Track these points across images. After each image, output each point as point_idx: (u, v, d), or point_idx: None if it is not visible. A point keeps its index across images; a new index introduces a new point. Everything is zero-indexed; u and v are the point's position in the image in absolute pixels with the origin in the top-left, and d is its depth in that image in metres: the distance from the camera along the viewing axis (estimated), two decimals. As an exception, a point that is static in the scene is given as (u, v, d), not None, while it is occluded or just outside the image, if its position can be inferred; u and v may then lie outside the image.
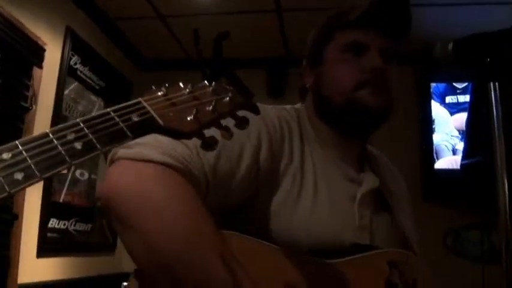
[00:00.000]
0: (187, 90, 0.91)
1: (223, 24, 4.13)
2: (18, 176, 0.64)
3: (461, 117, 4.18)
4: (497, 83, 1.05)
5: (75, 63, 3.75)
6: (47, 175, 0.66)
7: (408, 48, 4.25)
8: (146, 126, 0.80)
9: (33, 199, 3.22)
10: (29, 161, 0.66)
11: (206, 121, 0.87)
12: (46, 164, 0.67)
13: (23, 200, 3.11)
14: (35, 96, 3.22)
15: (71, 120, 0.74)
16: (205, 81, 0.95)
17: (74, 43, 3.67)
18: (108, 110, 0.78)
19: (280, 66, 4.65)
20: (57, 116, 3.49)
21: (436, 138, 4.26)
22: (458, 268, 3.76)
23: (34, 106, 3.22)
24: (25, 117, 3.17)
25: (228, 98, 0.92)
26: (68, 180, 3.67)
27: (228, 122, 0.90)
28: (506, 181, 1.06)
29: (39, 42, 3.24)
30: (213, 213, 1.02)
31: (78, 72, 3.80)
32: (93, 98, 4.03)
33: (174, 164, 1.00)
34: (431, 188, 4.19)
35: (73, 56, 3.70)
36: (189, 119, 0.86)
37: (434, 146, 4.24)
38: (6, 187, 0.63)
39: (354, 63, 1.26)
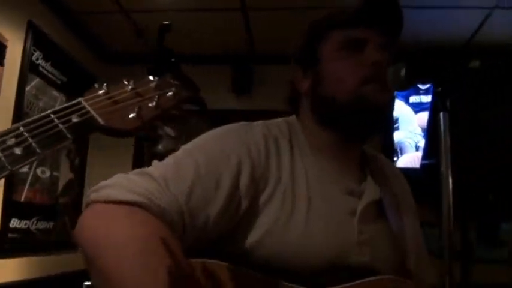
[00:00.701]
0: (130, 86, 0.90)
1: (188, 21, 4.11)
2: None
3: (424, 116, 4.26)
4: (447, 114, 1.09)
5: (37, 59, 3.68)
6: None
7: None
8: (86, 127, 0.80)
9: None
10: None
11: (149, 118, 0.87)
12: None
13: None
14: (-5, 94, 3.16)
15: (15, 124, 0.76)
16: (150, 76, 0.94)
17: (35, 38, 3.60)
18: (48, 112, 0.79)
19: (246, 63, 4.64)
20: (18, 114, 3.42)
21: (400, 135, 4.33)
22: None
23: (-6, 104, 3.16)
24: (-15, 115, 3.11)
25: (171, 93, 0.91)
26: (29, 179, 3.62)
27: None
28: (450, 181, 1.10)
29: (0, 39, 3.17)
30: (198, 243, 1.03)
31: (40, 68, 3.73)
32: (55, 93, 3.97)
33: (141, 201, 0.97)
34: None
35: (35, 51, 3.63)
36: (131, 116, 0.85)
37: (398, 143, 4.30)
38: None
39: (354, 59, 1.22)
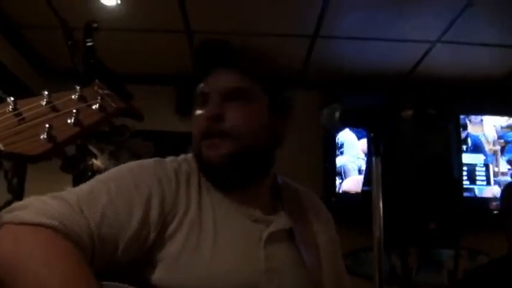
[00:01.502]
0: (45, 100, 0.78)
1: (133, 41, 4.10)
2: None
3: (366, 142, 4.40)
4: (379, 158, 1.14)
5: (-26, 74, 3.59)
6: None
7: (315, 75, 4.42)
8: None
9: None
10: None
11: (63, 139, 0.75)
12: None
13: None
14: None
15: None
16: (76, 86, 0.81)
17: (-27, 52, 3.51)
18: None
19: (190, 84, 4.63)
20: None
21: (344, 159, 4.45)
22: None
23: None
24: None
25: (97, 105, 0.80)
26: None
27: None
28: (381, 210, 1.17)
29: None
30: (107, 268, 1.03)
31: (-23, 83, 3.64)
32: (-8, 109, 3.86)
33: (53, 224, 0.96)
34: (332, 210, 4.32)
35: (-28, 66, 3.54)
36: (41, 137, 0.74)
37: (341, 166, 4.41)
38: None
39: (199, 113, 1.25)
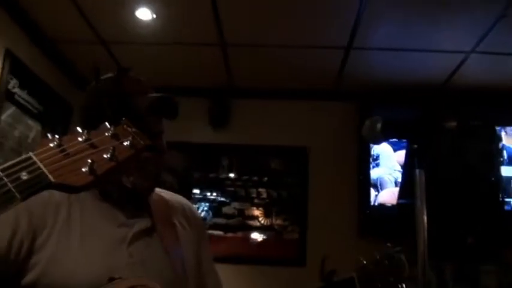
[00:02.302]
0: (84, 137, 0.88)
1: (167, 54, 4.13)
2: None
3: (403, 154, 4.34)
4: (422, 171, 1.12)
5: (14, 87, 3.66)
6: None
7: (349, 87, 4.41)
8: (37, 184, 0.77)
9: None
10: None
11: (102, 172, 0.85)
12: None
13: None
14: (-32, 122, 3.12)
15: None
16: (106, 124, 0.92)
17: (12, 66, 3.59)
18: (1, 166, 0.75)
19: (224, 96, 4.67)
20: (-9, 143, 3.40)
21: (380, 172, 4.42)
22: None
23: (-33, 132, 3.11)
24: (-44, 143, 3.07)
25: (128, 143, 0.90)
26: None
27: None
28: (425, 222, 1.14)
29: (-24, 67, 3.16)
30: None
31: (16, 97, 3.71)
32: (30, 122, 3.94)
33: None
34: (367, 224, 4.29)
35: (11, 79, 3.61)
36: (83, 170, 0.83)
37: (378, 178, 4.37)
38: None
39: None
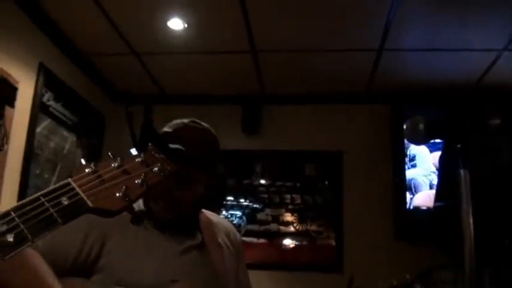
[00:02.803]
0: (117, 164, 0.94)
1: (199, 63, 4.15)
2: None
3: (438, 155, 4.27)
4: (467, 171, 1.08)
5: (48, 100, 3.72)
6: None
7: (381, 89, 4.36)
8: (76, 209, 0.82)
9: None
10: None
11: (135, 196, 0.92)
12: None
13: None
14: (6, 136, 3.17)
15: (6, 209, 0.77)
16: (133, 150, 1.01)
17: (46, 79, 3.64)
18: (38, 194, 0.80)
19: (255, 103, 4.67)
20: (29, 155, 3.44)
21: (415, 172, 4.37)
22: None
23: (6, 146, 3.17)
24: (-5, 157, 3.12)
25: (157, 169, 0.98)
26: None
27: None
28: (471, 224, 1.10)
29: (11, 80, 3.21)
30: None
31: (51, 109, 3.77)
32: (65, 134, 4.00)
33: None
34: (403, 227, 4.23)
35: (46, 92, 3.67)
36: (118, 195, 0.89)
37: (412, 180, 4.31)
38: None
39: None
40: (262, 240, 4.57)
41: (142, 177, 0.93)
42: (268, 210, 4.65)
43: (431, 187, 4.31)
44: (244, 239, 4.54)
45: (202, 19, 3.55)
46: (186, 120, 1.74)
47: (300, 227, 4.56)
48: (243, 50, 3.91)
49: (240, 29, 3.57)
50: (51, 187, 0.82)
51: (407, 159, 4.40)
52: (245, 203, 4.67)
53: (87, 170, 0.89)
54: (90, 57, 4.18)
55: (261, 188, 4.71)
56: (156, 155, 1.01)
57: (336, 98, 4.66)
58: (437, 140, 4.23)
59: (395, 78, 4.30)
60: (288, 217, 4.61)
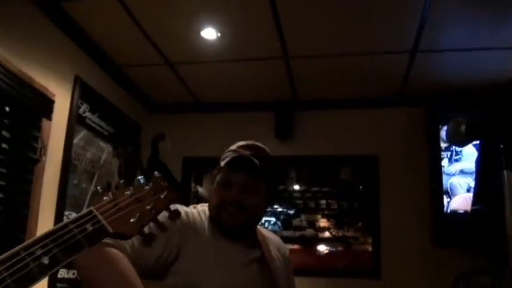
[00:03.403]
0: (130, 192, 1.11)
1: (232, 70, 4.17)
2: None
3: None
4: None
5: (84, 112, 3.78)
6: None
7: (416, 91, 4.30)
8: (99, 234, 0.98)
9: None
10: (8, 279, 0.78)
11: (147, 221, 1.08)
12: (22, 282, 0.80)
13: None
14: (44, 147, 3.24)
15: (39, 235, 0.90)
16: (140, 179, 1.17)
17: (82, 92, 3.71)
18: (67, 222, 0.94)
19: (288, 109, 4.67)
20: (66, 166, 3.51)
21: (458, 167, 4.32)
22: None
23: (44, 157, 3.23)
24: (34, 168, 3.18)
25: (163, 196, 1.14)
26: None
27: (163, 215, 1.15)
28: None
29: (48, 94, 3.28)
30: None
31: (87, 120, 3.83)
32: (102, 144, 4.06)
33: (111, 243, 1.50)
34: (441, 231, 4.16)
35: (82, 104, 3.74)
36: (132, 221, 1.05)
37: (449, 184, 4.25)
38: None
39: (225, 193, 1.84)
40: (298, 246, 4.56)
41: (151, 204, 1.10)
42: (303, 216, 4.64)
43: (468, 190, 4.23)
44: (281, 245, 4.54)
45: (235, 27, 3.57)
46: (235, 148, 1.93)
47: (336, 233, 4.53)
48: (275, 57, 3.92)
49: (272, 35, 3.58)
50: (78, 215, 0.97)
51: (449, 154, 4.33)
52: (280, 209, 4.66)
53: (105, 198, 1.05)
54: (125, 68, 4.24)
55: (296, 194, 4.70)
56: (162, 183, 1.18)
57: (370, 101, 4.62)
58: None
59: (429, 79, 4.24)
60: (324, 223, 4.59)
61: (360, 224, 4.52)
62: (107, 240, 1.40)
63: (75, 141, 3.64)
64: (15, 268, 0.79)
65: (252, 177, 1.86)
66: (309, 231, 4.56)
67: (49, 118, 3.31)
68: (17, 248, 0.84)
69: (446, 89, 4.29)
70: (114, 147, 4.27)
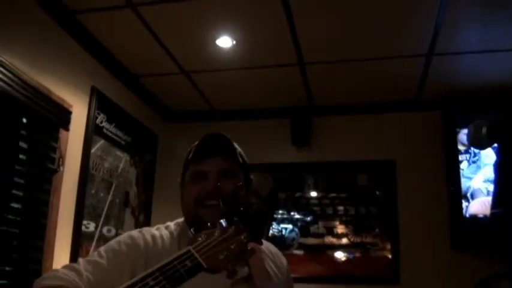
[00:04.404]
0: (217, 234, 1.29)
1: (247, 78, 4.18)
2: None
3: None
4: None
5: (101, 122, 3.81)
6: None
7: (433, 94, 4.27)
8: (196, 269, 1.17)
9: (61, 259, 3.24)
10: None
11: (232, 258, 1.24)
12: None
13: (51, 262, 3.13)
14: (62, 157, 3.27)
15: (149, 269, 1.13)
16: (223, 222, 1.34)
17: (99, 102, 3.74)
18: (171, 259, 1.16)
19: (304, 115, 4.66)
20: (84, 176, 3.53)
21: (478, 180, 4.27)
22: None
23: (61, 167, 3.26)
24: (52, 179, 3.21)
25: (243, 237, 1.31)
26: (95, 237, 3.70)
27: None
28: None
29: (65, 105, 3.31)
30: None
31: (104, 130, 3.86)
32: (119, 153, 4.08)
33: (58, 284, 1.42)
34: (460, 236, 4.12)
35: (99, 114, 3.77)
36: (221, 258, 1.22)
37: (469, 188, 4.24)
38: None
39: (200, 186, 1.66)
40: (316, 253, 4.53)
41: (235, 244, 1.27)
42: (321, 223, 4.62)
43: (488, 194, 4.19)
44: (298, 252, 4.52)
45: (250, 35, 3.58)
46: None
47: (355, 239, 4.51)
48: (290, 63, 3.92)
49: (287, 42, 3.58)
50: (179, 253, 1.18)
51: (468, 156, 4.29)
52: (298, 216, 4.65)
53: (199, 239, 1.25)
54: (141, 78, 4.27)
55: (314, 201, 4.68)
56: (241, 226, 1.33)
57: (386, 106, 4.61)
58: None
59: (446, 83, 4.21)
60: (342, 229, 4.56)
61: (377, 230, 4.49)
62: (52, 281, 1.45)
63: (92, 151, 3.67)
64: None
65: (228, 162, 1.69)
66: (327, 238, 4.53)
67: (66, 129, 3.34)
68: (135, 279, 1.09)
69: (462, 92, 4.25)
70: (131, 156, 4.30)
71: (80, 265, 1.53)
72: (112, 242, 1.66)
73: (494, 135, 1.13)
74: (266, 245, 1.87)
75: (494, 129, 1.12)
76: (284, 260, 1.92)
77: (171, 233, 1.72)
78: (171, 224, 1.78)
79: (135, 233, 1.69)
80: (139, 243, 1.63)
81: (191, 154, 1.71)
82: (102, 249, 1.62)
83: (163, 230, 1.74)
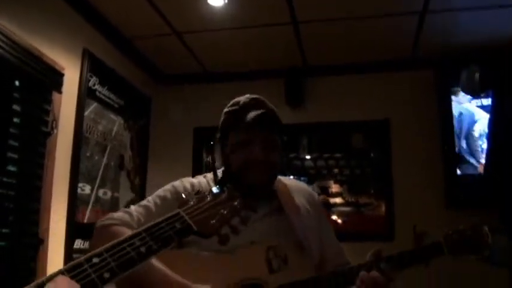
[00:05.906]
0: (209, 198, 1.33)
1: (240, 38, 4.14)
2: (106, 274, 0.93)
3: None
4: None
5: (94, 84, 3.79)
6: (125, 273, 0.98)
7: (427, 53, 4.23)
8: (186, 231, 1.17)
9: (57, 223, 3.26)
10: (112, 263, 0.96)
11: (223, 222, 1.28)
12: (124, 265, 0.98)
13: (48, 224, 3.15)
14: (55, 120, 3.26)
15: (136, 229, 1.11)
16: (214, 189, 1.39)
17: (91, 64, 3.71)
18: (161, 219, 1.15)
19: (298, 76, 4.64)
20: (78, 138, 3.53)
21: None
22: (485, 275, 3.67)
23: (55, 130, 3.25)
24: (46, 142, 3.21)
25: (236, 203, 1.35)
26: (91, 200, 3.71)
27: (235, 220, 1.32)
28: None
29: (57, 67, 3.28)
30: None
31: (97, 93, 3.84)
32: (112, 117, 4.07)
33: (114, 222, 1.74)
34: (454, 195, 4.15)
35: (91, 77, 3.74)
36: (212, 222, 1.26)
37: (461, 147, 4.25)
38: (100, 285, 0.91)
39: (243, 154, 1.83)
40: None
41: (228, 209, 1.31)
42: (317, 183, 4.64)
43: (482, 151, 4.20)
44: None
45: (242, -8, 3.53)
46: (243, 98, 1.94)
47: (349, 198, 4.54)
48: (283, 22, 3.88)
49: (279, 0, 3.54)
50: (168, 215, 1.17)
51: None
52: (292, 177, 4.67)
53: (190, 203, 1.27)
54: (133, 40, 4.23)
55: (308, 162, 4.70)
56: (235, 193, 1.38)
57: (380, 65, 4.58)
58: (485, 103, 4.13)
59: (441, 41, 4.17)
60: (337, 188, 4.59)
61: (372, 191, 4.51)
62: (110, 221, 1.74)
63: (86, 113, 3.66)
64: (118, 255, 0.98)
65: (272, 134, 1.86)
66: (323, 197, 4.55)
67: (59, 91, 3.32)
68: (120, 239, 1.03)
69: (456, 50, 4.21)
70: (125, 120, 4.29)
71: (132, 209, 1.80)
72: (158, 191, 1.90)
73: (487, 81, 1.13)
74: (297, 183, 2.14)
75: (487, 75, 1.11)
76: (316, 196, 2.14)
77: (208, 181, 1.91)
78: (208, 174, 1.97)
79: (176, 182, 1.92)
80: (179, 190, 1.84)
81: (250, 117, 1.80)
82: (150, 197, 1.88)
83: (201, 178, 1.95)
